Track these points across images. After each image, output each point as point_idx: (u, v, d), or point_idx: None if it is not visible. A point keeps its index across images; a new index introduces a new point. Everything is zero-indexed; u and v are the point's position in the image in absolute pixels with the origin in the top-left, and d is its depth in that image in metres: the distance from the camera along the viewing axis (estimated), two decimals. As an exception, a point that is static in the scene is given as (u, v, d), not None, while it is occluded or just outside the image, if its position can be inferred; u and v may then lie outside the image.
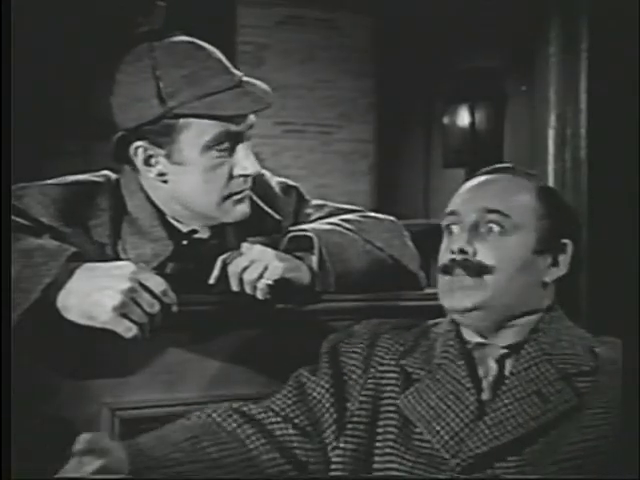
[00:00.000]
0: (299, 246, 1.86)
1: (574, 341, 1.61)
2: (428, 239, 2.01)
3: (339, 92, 5.18)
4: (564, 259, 1.63)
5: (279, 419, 1.65)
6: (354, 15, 5.21)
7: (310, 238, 1.85)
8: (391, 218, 2.06)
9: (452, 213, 1.64)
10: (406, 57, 5.14)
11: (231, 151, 1.82)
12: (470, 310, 1.58)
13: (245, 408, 1.65)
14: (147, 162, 1.84)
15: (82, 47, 4.26)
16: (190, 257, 1.88)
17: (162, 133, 1.80)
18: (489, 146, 4.82)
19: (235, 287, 1.77)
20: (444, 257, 1.62)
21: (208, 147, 1.80)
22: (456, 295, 1.59)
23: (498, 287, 1.58)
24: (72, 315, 1.58)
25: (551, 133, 3.78)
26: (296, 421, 1.65)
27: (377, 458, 1.61)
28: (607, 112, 3.62)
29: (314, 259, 1.83)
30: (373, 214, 2.07)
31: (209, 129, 1.79)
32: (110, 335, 1.59)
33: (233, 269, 1.77)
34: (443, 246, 1.64)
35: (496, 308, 1.59)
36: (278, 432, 1.64)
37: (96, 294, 1.57)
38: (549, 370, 1.56)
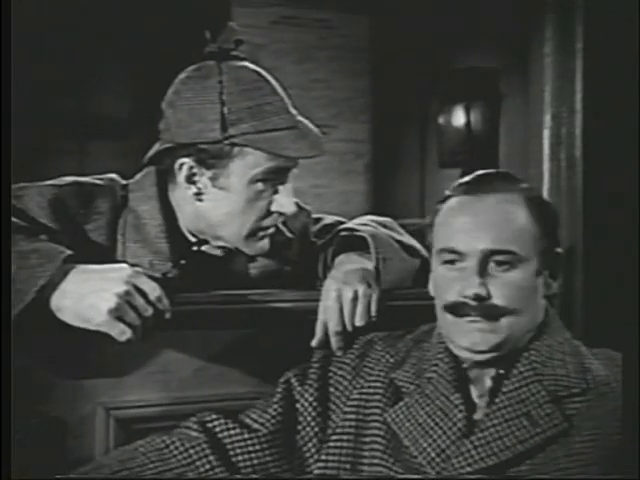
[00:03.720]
0: (350, 246, 1.90)
1: (566, 360, 1.57)
2: (423, 239, 2.01)
3: (334, 92, 5.18)
4: (559, 269, 1.61)
5: (252, 435, 1.65)
6: (349, 15, 5.21)
7: (363, 238, 1.88)
8: (388, 219, 2.08)
9: (453, 251, 1.58)
10: (401, 57, 5.14)
11: (275, 186, 1.84)
12: (485, 352, 1.56)
13: (212, 424, 1.67)
14: (189, 179, 1.84)
15: (83, 46, 4.26)
16: (191, 266, 1.88)
17: (214, 156, 1.81)
18: (484, 146, 4.82)
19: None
20: (450, 294, 1.57)
21: (256, 180, 1.82)
22: (472, 336, 1.55)
23: (513, 328, 1.55)
24: (66, 317, 1.58)
25: (546, 133, 3.78)
26: (275, 436, 1.66)
27: (365, 468, 1.60)
28: (603, 112, 3.62)
29: (371, 260, 1.85)
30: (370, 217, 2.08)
31: (262, 162, 1.81)
32: (105, 335, 1.59)
33: (332, 314, 1.77)
34: (443, 277, 1.60)
35: (509, 345, 1.56)
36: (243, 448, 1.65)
37: (91, 297, 1.56)
38: (540, 392, 1.53)
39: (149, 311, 1.58)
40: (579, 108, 3.71)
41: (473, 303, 1.54)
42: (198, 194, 1.85)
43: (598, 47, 3.63)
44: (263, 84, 1.84)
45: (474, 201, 1.59)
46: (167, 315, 1.61)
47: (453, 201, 1.62)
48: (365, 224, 1.97)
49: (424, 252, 1.96)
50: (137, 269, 1.63)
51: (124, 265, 1.62)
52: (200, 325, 1.76)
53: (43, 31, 4.19)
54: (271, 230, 1.88)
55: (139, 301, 1.58)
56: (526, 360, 1.56)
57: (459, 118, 4.89)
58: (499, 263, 1.55)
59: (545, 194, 3.73)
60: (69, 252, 1.61)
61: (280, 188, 1.85)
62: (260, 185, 1.82)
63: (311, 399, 1.68)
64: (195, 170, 1.83)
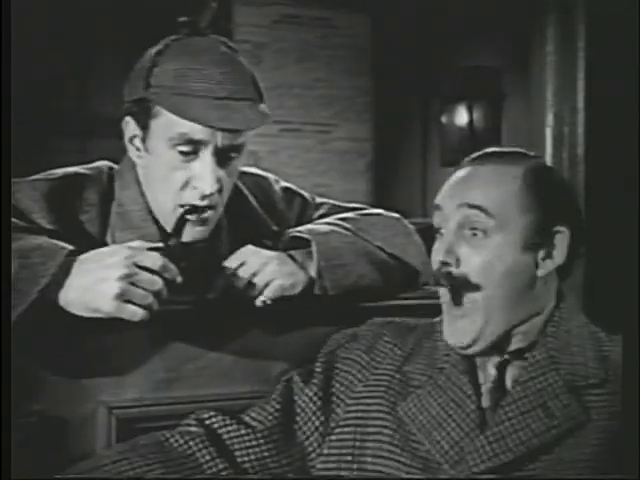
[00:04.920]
0: (299, 245, 1.85)
1: (585, 346, 1.54)
2: (426, 238, 2.00)
3: (336, 91, 5.18)
4: (559, 249, 1.54)
5: (249, 431, 1.65)
6: (351, 14, 5.21)
7: (309, 239, 1.83)
8: (393, 215, 2.04)
9: (437, 207, 1.58)
10: (404, 56, 5.14)
11: (194, 159, 1.79)
12: (472, 344, 1.54)
13: (210, 421, 1.66)
14: (130, 140, 1.85)
15: (82, 46, 4.26)
16: (181, 257, 1.86)
17: (141, 114, 1.80)
18: (487, 145, 4.79)
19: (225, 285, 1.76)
20: (433, 263, 1.57)
21: (172, 144, 1.78)
22: (453, 329, 1.55)
23: (490, 304, 1.52)
24: (76, 310, 1.57)
25: (548, 132, 3.78)
26: (273, 431, 1.66)
27: (369, 459, 1.58)
28: (604, 111, 3.62)
29: (313, 265, 1.82)
30: (375, 211, 2.05)
31: (174, 126, 1.77)
32: (107, 335, 1.59)
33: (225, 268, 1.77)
34: (434, 247, 1.59)
35: (494, 327, 1.53)
36: (242, 444, 1.64)
37: (95, 287, 1.55)
38: (557, 382, 1.50)
39: (158, 284, 1.57)
40: (581, 107, 3.71)
41: (442, 269, 1.53)
42: (139, 157, 1.84)
43: (599, 46, 3.63)
44: (204, 54, 1.81)
45: (471, 170, 1.59)
46: (178, 279, 1.60)
47: (458, 172, 1.61)
48: (331, 223, 1.93)
49: (413, 259, 1.95)
50: (134, 245, 1.61)
51: (120, 247, 1.60)
52: (202, 324, 1.76)
53: (43, 31, 4.19)
54: (205, 215, 1.81)
55: (144, 278, 1.57)
56: (543, 347, 1.53)
57: (461, 117, 4.90)
58: (476, 230, 1.52)
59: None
60: (70, 247, 1.60)
61: (197, 161, 1.79)
62: (178, 153, 1.78)
63: (311, 394, 1.67)
64: (135, 131, 1.83)
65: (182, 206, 1.80)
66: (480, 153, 1.63)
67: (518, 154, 1.62)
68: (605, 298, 3.38)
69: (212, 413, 1.67)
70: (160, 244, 1.66)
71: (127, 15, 4.30)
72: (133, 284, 1.56)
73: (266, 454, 1.64)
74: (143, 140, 1.82)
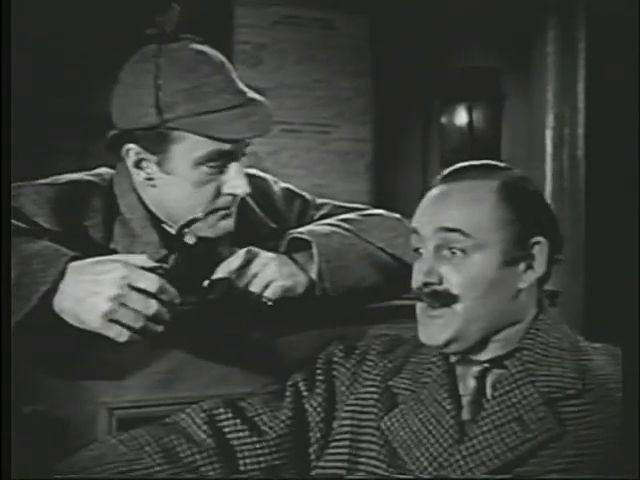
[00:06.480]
0: (300, 247, 1.85)
1: (564, 356, 1.52)
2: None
3: (336, 92, 5.18)
4: (539, 260, 1.54)
5: (260, 439, 1.64)
6: (351, 15, 5.21)
7: (310, 241, 1.83)
8: (394, 215, 2.04)
9: (414, 231, 1.57)
10: (404, 57, 5.14)
11: (222, 169, 1.81)
12: (446, 345, 1.53)
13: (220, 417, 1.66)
14: (137, 165, 1.83)
15: (82, 46, 4.26)
16: (183, 260, 1.86)
17: (156, 141, 1.79)
18: (487, 146, 4.82)
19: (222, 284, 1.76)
20: (414, 283, 1.56)
21: (199, 163, 1.79)
22: (429, 329, 1.54)
23: (469, 315, 1.51)
24: (68, 318, 1.57)
25: (549, 133, 3.79)
26: (284, 440, 1.65)
27: (362, 475, 1.58)
28: (605, 112, 3.63)
29: (314, 266, 1.82)
30: (376, 211, 2.05)
31: (202, 146, 1.78)
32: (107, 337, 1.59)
33: (225, 268, 1.77)
34: (414, 268, 1.58)
35: (472, 333, 1.52)
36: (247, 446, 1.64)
37: (87, 300, 1.54)
38: (532, 394, 1.48)
39: (152, 307, 1.55)
40: (582, 108, 3.72)
41: (425, 289, 1.52)
42: (149, 179, 1.83)
43: (600, 47, 3.63)
44: (203, 64, 1.80)
45: (444, 189, 1.57)
46: (176, 301, 1.59)
47: (432, 191, 1.59)
48: (332, 224, 1.93)
49: (400, 254, 1.94)
50: (132, 262, 1.59)
51: (118, 264, 1.59)
52: (203, 325, 1.75)
53: (43, 31, 4.18)
54: (230, 210, 1.85)
55: (136, 301, 1.55)
56: (518, 361, 1.52)
57: (461, 118, 4.90)
58: (455, 250, 1.52)
59: (548, 194, 3.74)
60: (72, 254, 1.59)
61: (228, 170, 1.82)
62: (205, 168, 1.80)
63: (315, 404, 1.67)
64: (142, 155, 1.81)
65: (213, 211, 1.83)
66: (451, 169, 1.61)
67: (490, 166, 1.60)
68: (605, 297, 3.38)
69: (222, 410, 1.65)
70: (159, 264, 1.64)
71: (128, 15, 4.29)
72: (123, 305, 1.55)
73: (277, 462, 1.63)
74: (158, 164, 1.81)
